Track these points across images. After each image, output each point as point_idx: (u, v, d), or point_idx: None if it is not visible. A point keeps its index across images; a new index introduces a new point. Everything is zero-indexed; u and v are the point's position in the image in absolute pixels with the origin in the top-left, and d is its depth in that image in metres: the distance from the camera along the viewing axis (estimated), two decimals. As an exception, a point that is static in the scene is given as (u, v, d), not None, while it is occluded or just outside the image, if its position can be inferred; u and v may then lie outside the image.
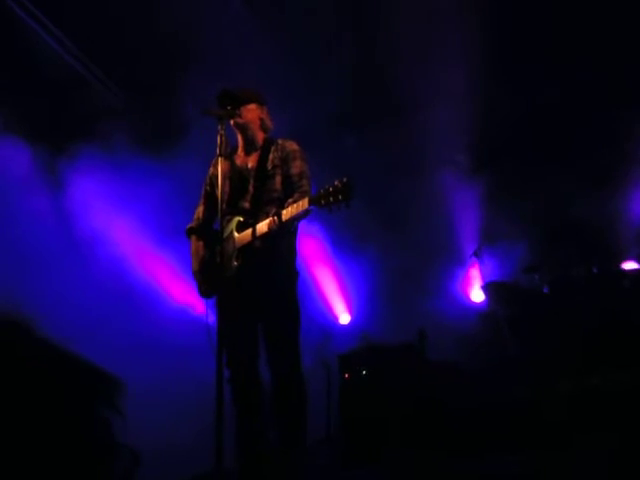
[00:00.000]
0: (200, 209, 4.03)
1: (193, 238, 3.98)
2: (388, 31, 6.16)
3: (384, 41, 6.31)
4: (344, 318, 7.63)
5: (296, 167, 3.74)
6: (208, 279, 3.79)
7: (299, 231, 3.81)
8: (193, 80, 6.06)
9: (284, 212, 3.43)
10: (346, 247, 7.24)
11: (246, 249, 3.63)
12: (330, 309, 7.54)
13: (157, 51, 6.27)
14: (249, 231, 3.60)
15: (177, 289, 6.54)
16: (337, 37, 6.68)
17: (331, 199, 3.15)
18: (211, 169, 4.01)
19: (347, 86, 6.83)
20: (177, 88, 6.25)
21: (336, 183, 3.16)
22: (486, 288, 6.47)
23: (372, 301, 7.32)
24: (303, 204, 3.33)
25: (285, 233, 3.60)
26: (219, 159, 3.43)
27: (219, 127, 3.45)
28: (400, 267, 7.15)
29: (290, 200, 3.53)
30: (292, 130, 4.28)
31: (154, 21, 5.97)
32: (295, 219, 3.45)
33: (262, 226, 3.53)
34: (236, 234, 3.68)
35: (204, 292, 3.83)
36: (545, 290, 5.84)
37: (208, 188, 4.01)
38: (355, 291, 7.48)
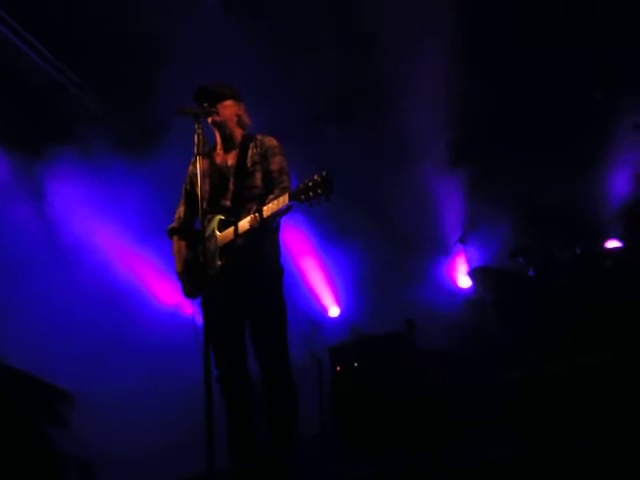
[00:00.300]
0: (181, 209, 4.01)
1: (175, 238, 3.96)
2: (368, 27, 6.19)
3: (363, 36, 6.35)
4: (333, 311, 7.65)
5: (276, 163, 3.73)
6: (192, 279, 3.77)
7: (282, 226, 3.80)
8: (169, 81, 6.02)
9: (265, 208, 3.42)
10: (332, 240, 7.24)
11: (229, 247, 3.62)
12: (319, 302, 7.55)
13: (132, 53, 6.25)
14: (231, 229, 3.59)
15: (163, 290, 6.54)
16: (316, 33, 6.71)
17: (311, 194, 3.16)
18: (190, 167, 3.97)
19: (328, 81, 6.84)
20: (154, 90, 6.20)
21: (315, 177, 3.16)
22: (472, 274, 6.51)
23: (360, 293, 7.34)
24: (284, 200, 3.33)
25: (267, 229, 3.59)
26: (198, 158, 3.41)
27: (196, 125, 3.42)
28: (386, 258, 7.14)
29: (271, 196, 3.53)
30: (272, 125, 4.30)
31: (129, 24, 5.94)
32: (276, 215, 3.45)
33: (244, 223, 3.52)
34: (218, 233, 3.67)
35: (189, 292, 3.83)
36: (530, 273, 5.88)
37: (188, 187, 3.98)
38: (343, 283, 7.47)
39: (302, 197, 3.20)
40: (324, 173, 3.14)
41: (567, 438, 3.63)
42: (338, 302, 7.62)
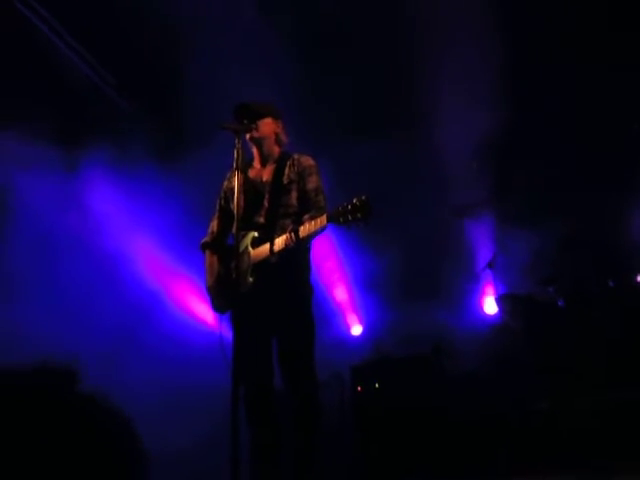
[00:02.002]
0: (214, 223, 4.03)
1: (207, 252, 3.97)
2: (405, 44, 6.12)
3: (401, 53, 6.26)
4: (356, 329, 7.61)
5: (312, 182, 3.76)
6: (222, 294, 3.79)
7: (314, 246, 3.80)
8: (204, 91, 6.07)
9: (301, 228, 3.42)
10: (357, 256, 7.22)
11: (261, 265, 3.63)
12: (342, 320, 7.53)
13: (173, 64, 6.24)
14: (265, 247, 3.61)
15: (191, 303, 6.60)
16: (349, 44, 6.58)
17: (349, 217, 3.15)
18: (225, 183, 4.02)
19: (363, 96, 6.85)
20: (191, 100, 6.24)
21: (355, 201, 3.15)
22: (500, 300, 6.42)
23: (385, 312, 7.26)
24: (321, 221, 3.33)
25: (301, 249, 3.60)
26: (235, 173, 3.43)
27: (235, 141, 3.44)
28: (413, 278, 7.09)
29: (307, 216, 3.55)
30: (303, 137, 4.30)
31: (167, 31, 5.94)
32: (312, 236, 3.45)
33: (279, 242, 3.52)
34: (251, 250, 3.69)
35: (218, 307, 3.83)
36: (560, 303, 5.79)
37: (222, 202, 4.02)
38: (367, 301, 7.44)
39: (340, 220, 3.18)
40: (364, 198, 3.13)
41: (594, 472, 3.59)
42: (361, 320, 7.58)
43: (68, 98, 6.26)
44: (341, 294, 7.47)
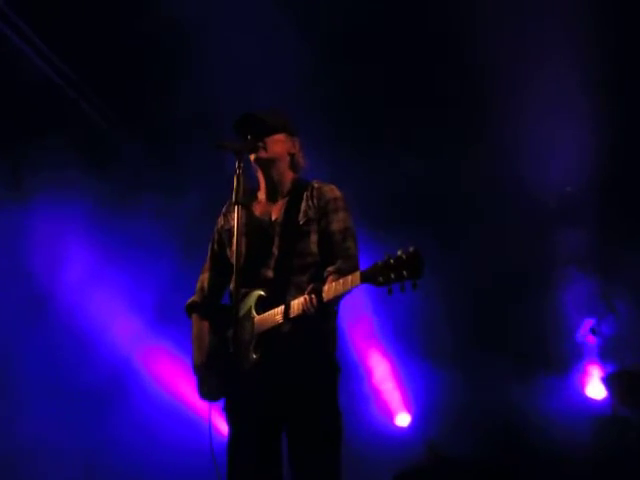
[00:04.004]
0: (205, 277, 4.06)
1: (195, 318, 4.01)
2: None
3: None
4: (402, 419, 7.67)
5: (338, 221, 3.79)
6: (215, 375, 3.80)
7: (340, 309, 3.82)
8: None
9: (325, 289, 3.40)
10: (400, 314, 7.33)
11: (269, 336, 3.62)
12: (382, 406, 7.64)
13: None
14: (274, 311, 3.59)
15: (174, 383, 6.82)
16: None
17: (392, 276, 3.11)
18: (220, 220, 4.05)
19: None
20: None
21: (399, 254, 3.12)
22: (609, 380, 6.43)
23: (442, 392, 7.35)
24: (353, 280, 3.30)
25: (324, 316, 3.56)
26: (235, 208, 3.47)
27: (236, 165, 3.50)
28: (483, 342, 7.26)
29: (331, 269, 3.58)
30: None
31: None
32: (340, 298, 3.44)
33: (294, 306, 3.51)
34: (255, 314, 3.69)
35: (208, 393, 3.85)
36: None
37: (216, 247, 4.05)
38: (416, 378, 7.57)
39: (380, 279, 3.16)
40: (411, 249, 3.09)
41: None
42: (409, 407, 7.67)
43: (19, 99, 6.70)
44: (380, 370, 7.57)
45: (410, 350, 7.56)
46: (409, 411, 7.72)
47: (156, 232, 6.74)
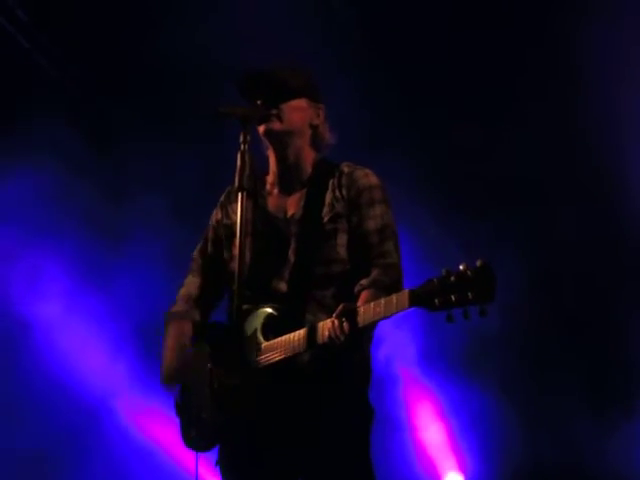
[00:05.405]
0: (193, 281, 3.68)
1: (175, 323, 3.59)
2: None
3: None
4: (453, 478, 7.35)
5: (375, 217, 3.39)
6: (205, 418, 3.40)
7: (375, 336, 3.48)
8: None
9: (361, 310, 3.00)
10: (452, 340, 7.01)
11: (283, 368, 3.24)
12: (429, 464, 7.36)
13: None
14: (291, 337, 3.20)
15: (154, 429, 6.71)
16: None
17: (453, 298, 2.70)
18: (217, 213, 3.69)
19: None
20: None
21: (462, 268, 2.71)
22: None
23: (499, 452, 7.15)
24: (400, 302, 2.88)
25: (356, 344, 3.19)
26: (238, 196, 3.18)
27: (241, 138, 3.20)
28: (549, 387, 7.07)
29: (365, 282, 3.21)
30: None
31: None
32: (378, 322, 3.04)
33: (321, 329, 3.14)
34: (263, 340, 3.29)
35: (196, 440, 3.47)
36: None
37: (210, 248, 3.69)
38: (470, 435, 7.32)
39: (436, 303, 2.74)
40: (479, 263, 2.70)
41: None
42: (461, 464, 7.36)
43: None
44: (425, 414, 7.33)
45: (464, 385, 7.25)
46: (462, 470, 7.41)
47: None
